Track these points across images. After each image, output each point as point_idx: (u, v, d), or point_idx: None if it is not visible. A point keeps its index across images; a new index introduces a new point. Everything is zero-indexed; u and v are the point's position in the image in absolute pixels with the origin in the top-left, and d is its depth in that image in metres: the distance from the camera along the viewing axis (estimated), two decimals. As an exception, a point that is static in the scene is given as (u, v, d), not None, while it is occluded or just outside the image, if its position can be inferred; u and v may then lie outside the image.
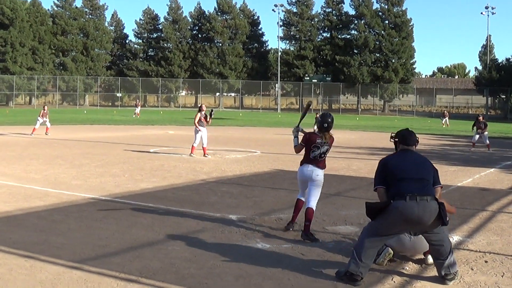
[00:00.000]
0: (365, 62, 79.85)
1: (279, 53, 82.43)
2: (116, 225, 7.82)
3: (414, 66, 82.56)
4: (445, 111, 52.25)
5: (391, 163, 5.80)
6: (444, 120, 47.53)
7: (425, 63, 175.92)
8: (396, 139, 6.18)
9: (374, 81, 79.21)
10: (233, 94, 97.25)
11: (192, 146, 17.77)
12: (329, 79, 79.33)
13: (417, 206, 5.46)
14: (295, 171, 15.29)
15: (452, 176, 14.14)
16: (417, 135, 6.17)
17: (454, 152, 22.11)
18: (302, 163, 7.77)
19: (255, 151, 19.94)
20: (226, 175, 13.49)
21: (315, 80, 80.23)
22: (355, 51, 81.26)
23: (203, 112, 17.74)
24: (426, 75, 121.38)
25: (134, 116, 48.15)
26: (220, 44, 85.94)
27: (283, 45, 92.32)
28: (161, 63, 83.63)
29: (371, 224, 5.74)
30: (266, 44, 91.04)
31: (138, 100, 56.94)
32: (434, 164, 6.02)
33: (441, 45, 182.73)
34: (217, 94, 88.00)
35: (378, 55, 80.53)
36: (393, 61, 79.40)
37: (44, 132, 25.77)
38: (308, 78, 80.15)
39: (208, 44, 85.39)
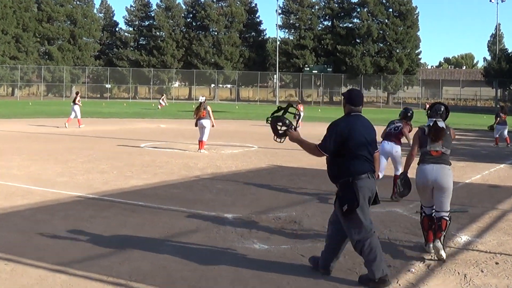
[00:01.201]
0: (368, 52, 79.84)
1: (278, 43, 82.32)
2: (104, 225, 7.75)
3: (419, 57, 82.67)
4: (427, 103, 52.28)
5: (351, 130, 5.63)
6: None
7: (431, 54, 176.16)
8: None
9: (378, 72, 79.24)
10: (229, 86, 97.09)
11: (199, 141, 17.68)
12: (330, 69, 79.30)
13: (373, 185, 5.64)
14: (293, 167, 15.44)
15: (459, 172, 14.09)
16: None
17: (462, 146, 22.07)
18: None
19: (252, 146, 19.89)
20: (221, 171, 13.43)
21: (316, 71, 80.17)
22: (358, 40, 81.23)
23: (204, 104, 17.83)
24: (432, 66, 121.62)
25: (159, 107, 51.29)
26: (216, 33, 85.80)
27: (282, 34, 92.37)
28: (153, 52, 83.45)
29: (350, 220, 5.58)
30: (264, 33, 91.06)
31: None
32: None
33: (448, 34, 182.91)
34: (212, 85, 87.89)
35: (381, 44, 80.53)
36: (398, 51, 79.44)
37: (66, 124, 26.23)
38: (308, 68, 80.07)
39: (203, 32, 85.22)
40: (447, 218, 6.75)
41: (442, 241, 6.63)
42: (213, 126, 18.03)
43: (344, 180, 5.57)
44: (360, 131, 5.64)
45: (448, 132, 6.96)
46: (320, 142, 5.73)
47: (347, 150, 5.57)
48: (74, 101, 27.51)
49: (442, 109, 7.06)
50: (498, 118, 22.95)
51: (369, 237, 5.56)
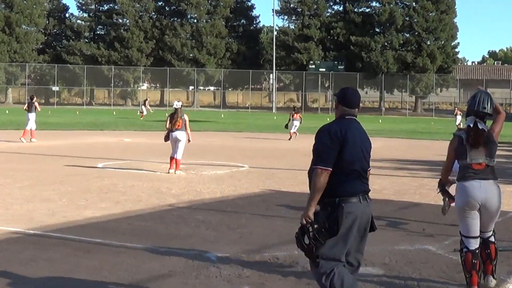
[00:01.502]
0: (390, 44, 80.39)
1: (275, 33, 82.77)
2: (49, 270, 7.69)
3: (456, 50, 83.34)
4: (457, 109, 52.40)
5: (346, 136, 5.63)
6: (458, 120, 47.01)
7: (471, 46, 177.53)
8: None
9: (403, 70, 79.72)
10: (212, 88, 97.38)
11: (171, 158, 17.73)
12: (342, 67, 79.79)
13: (367, 212, 5.66)
14: (295, 193, 15.34)
15: (510, 198, 14.12)
16: None
17: (512, 166, 22.18)
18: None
19: (241, 166, 19.91)
20: (203, 198, 13.40)
21: (323, 69, 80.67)
22: (377, 30, 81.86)
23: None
24: (473, 62, 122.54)
25: (140, 115, 52.93)
26: (195, 21, 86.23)
27: (280, 22, 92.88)
28: (114, 45, 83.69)
29: (328, 247, 5.58)
30: (258, 21, 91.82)
31: (147, 100, 62.25)
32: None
33: (493, 21, 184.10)
34: (191, 88, 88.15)
35: (408, 35, 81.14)
36: (428, 43, 79.99)
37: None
38: (313, 66, 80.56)
39: (179, 20, 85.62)
40: (495, 241, 6.81)
41: (494, 276, 6.64)
42: (189, 141, 18.02)
43: (329, 200, 5.58)
44: (356, 139, 5.66)
45: (492, 138, 6.92)
46: (314, 161, 5.65)
47: (338, 162, 5.57)
48: (28, 108, 27.62)
49: (488, 101, 6.90)
50: None
51: (336, 267, 5.55)
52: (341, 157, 5.55)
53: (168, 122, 17.91)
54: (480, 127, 6.86)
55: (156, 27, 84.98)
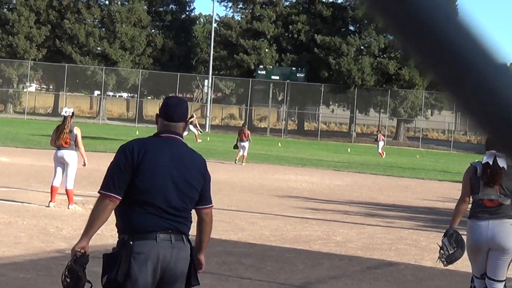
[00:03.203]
0: (368, 48, 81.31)
1: (214, 25, 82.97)
2: None
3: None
4: (380, 134, 57.65)
5: (145, 158, 5.83)
6: (379, 146, 53.38)
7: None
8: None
9: (383, 84, 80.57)
10: (125, 95, 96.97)
11: (52, 187, 17.56)
12: (302, 76, 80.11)
13: (170, 253, 5.75)
14: (228, 241, 15.37)
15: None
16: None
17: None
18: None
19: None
20: (105, 244, 13.31)
21: (277, 77, 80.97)
22: (351, 28, 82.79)
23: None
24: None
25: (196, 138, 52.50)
26: (107, 2, 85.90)
27: (221, 11, 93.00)
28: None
29: None
30: (192, 7, 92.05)
31: (193, 116, 60.83)
32: None
33: (504, 20, 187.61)
34: (97, 93, 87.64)
35: (391, 37, 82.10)
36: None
37: None
38: (264, 72, 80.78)
39: (84, 1, 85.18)
40: None
41: None
42: (84, 164, 17.83)
43: (120, 237, 5.78)
44: (161, 164, 5.81)
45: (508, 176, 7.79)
46: (101, 184, 5.87)
47: (132, 188, 5.74)
48: None
49: None
50: None
51: None
52: (133, 184, 5.73)
53: (53, 137, 17.61)
54: (501, 165, 7.71)
55: (53, 8, 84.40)
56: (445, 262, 8.23)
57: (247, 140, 35.29)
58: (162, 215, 5.72)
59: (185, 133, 42.33)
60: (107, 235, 14.32)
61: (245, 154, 35.10)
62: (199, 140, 52.13)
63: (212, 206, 6.32)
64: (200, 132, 56.24)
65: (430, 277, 12.29)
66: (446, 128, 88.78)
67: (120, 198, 5.68)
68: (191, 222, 6.06)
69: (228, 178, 28.54)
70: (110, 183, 5.73)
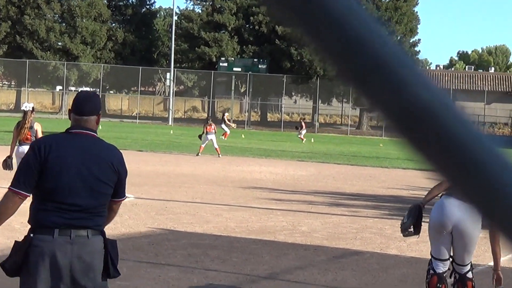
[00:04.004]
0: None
1: (175, 18, 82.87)
2: None
3: (416, 49, 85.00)
4: (302, 121, 61.42)
5: (50, 155, 5.84)
6: (300, 133, 56.80)
7: (436, 45, 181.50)
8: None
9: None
10: (88, 89, 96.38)
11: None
12: (264, 67, 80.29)
13: (70, 249, 5.76)
14: (196, 233, 15.16)
15: (479, 247, 14.46)
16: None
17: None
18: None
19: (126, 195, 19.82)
20: (69, 239, 13.27)
21: (239, 69, 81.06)
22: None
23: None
24: (438, 66, 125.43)
25: (223, 137, 51.06)
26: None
27: (182, 4, 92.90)
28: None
29: None
30: (152, 1, 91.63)
31: (225, 113, 60.67)
32: None
33: (464, 16, 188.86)
34: (59, 88, 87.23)
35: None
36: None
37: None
38: (226, 64, 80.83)
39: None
40: (472, 277, 7.84)
41: None
42: None
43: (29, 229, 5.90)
44: (67, 158, 5.80)
45: None
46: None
47: (39, 185, 5.82)
48: None
49: None
50: None
51: None
52: (40, 181, 5.79)
53: (14, 133, 17.54)
54: None
55: (13, 4, 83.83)
56: (402, 232, 8.46)
57: (213, 133, 35.39)
58: (64, 212, 5.73)
59: (228, 131, 41.14)
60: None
61: (216, 146, 35.26)
62: (225, 138, 52.41)
63: (125, 198, 6.39)
64: (233, 128, 56.62)
65: (395, 265, 12.34)
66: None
67: (28, 195, 5.81)
68: (104, 216, 5.98)
69: (192, 171, 28.52)
70: (19, 180, 5.81)
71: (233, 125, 57.22)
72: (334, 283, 10.93)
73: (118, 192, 6.08)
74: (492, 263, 13.05)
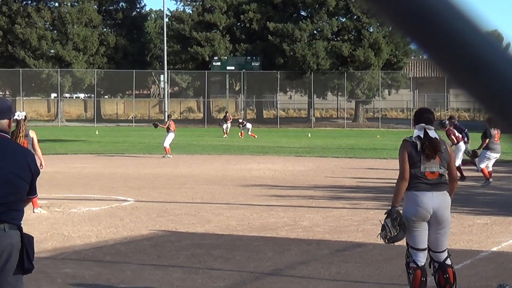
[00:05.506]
0: (321, 33, 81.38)
1: (166, 19, 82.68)
2: None
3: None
4: (228, 114, 59.78)
5: None
6: (225, 126, 56.58)
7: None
8: None
9: (338, 66, 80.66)
10: (82, 96, 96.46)
11: None
12: (258, 64, 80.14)
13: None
14: (198, 234, 15.18)
15: (481, 233, 14.51)
16: None
17: (484, 190, 22.73)
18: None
19: (124, 199, 19.91)
20: (73, 245, 13.27)
21: (232, 67, 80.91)
22: (303, 13, 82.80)
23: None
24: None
25: (224, 136, 54.18)
26: (56, 4, 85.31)
27: (172, 5, 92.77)
28: None
29: None
30: (142, 4, 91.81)
31: (227, 113, 61.90)
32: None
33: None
34: (53, 95, 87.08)
35: (344, 19, 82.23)
36: (371, 30, 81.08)
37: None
38: (219, 63, 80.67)
39: (34, 4, 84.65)
40: (452, 264, 8.13)
41: None
42: (41, 166, 17.71)
43: None
44: None
45: (444, 146, 8.31)
46: None
47: None
48: None
49: (432, 118, 8.49)
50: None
51: None
52: None
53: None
54: (433, 136, 8.23)
55: (3, 14, 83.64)
56: (386, 242, 8.47)
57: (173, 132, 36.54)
58: None
59: (224, 128, 42.11)
60: (74, 236, 14.28)
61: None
62: (225, 136, 54.07)
63: (37, 196, 7.14)
64: (239, 127, 56.75)
65: (399, 256, 12.31)
66: (405, 107, 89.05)
67: None
68: (21, 211, 6.39)
69: (191, 171, 28.50)
70: None
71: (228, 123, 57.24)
72: (338, 276, 10.94)
73: (32, 189, 6.41)
74: (495, 249, 13.10)
